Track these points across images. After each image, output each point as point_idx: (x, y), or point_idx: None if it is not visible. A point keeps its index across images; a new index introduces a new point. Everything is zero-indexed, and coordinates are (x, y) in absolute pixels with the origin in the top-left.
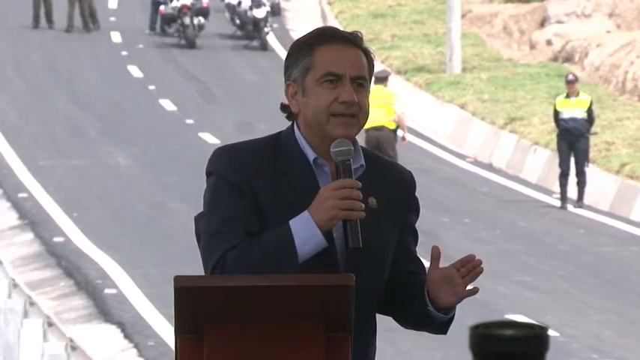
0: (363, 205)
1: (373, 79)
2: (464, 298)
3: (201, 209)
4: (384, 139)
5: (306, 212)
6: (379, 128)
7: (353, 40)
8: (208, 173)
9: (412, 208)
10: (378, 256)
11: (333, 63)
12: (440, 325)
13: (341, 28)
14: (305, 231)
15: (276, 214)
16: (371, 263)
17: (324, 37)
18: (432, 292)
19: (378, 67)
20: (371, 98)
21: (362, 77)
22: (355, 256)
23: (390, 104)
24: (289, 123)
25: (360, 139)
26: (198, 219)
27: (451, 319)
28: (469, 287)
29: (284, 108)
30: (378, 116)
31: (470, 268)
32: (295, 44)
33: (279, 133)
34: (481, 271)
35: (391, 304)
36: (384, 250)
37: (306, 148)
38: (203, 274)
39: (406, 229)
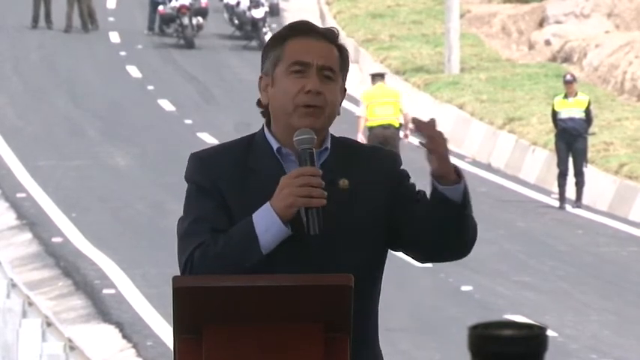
0: (325, 193)
1: (370, 77)
2: (439, 146)
3: None
4: (391, 137)
5: (267, 203)
6: (387, 126)
7: (325, 35)
8: (185, 180)
9: (400, 181)
10: (355, 236)
11: (301, 52)
12: (455, 208)
13: (339, 28)
14: (265, 220)
15: (246, 209)
16: (348, 245)
17: (295, 29)
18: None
19: (376, 67)
20: (377, 96)
21: (329, 68)
22: (329, 241)
23: (397, 101)
24: None
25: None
26: (178, 223)
27: (464, 193)
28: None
29: (259, 103)
30: (386, 114)
31: (424, 124)
32: (269, 38)
33: (254, 133)
34: (432, 121)
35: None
36: (362, 230)
37: (271, 140)
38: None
39: (405, 199)
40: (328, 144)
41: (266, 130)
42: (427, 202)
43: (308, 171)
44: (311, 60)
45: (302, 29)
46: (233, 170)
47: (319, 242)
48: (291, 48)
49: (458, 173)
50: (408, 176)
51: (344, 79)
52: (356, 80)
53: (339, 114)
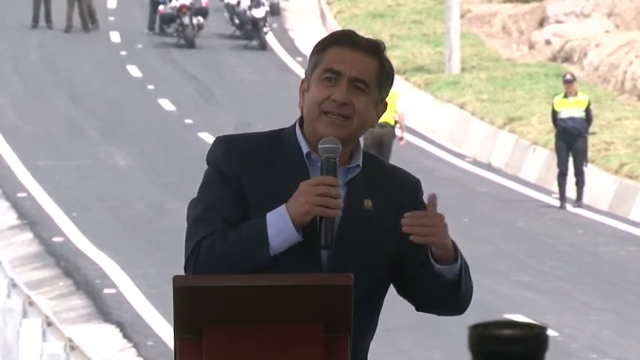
0: (342, 204)
1: None
2: (437, 225)
3: None
4: (387, 136)
5: (283, 206)
6: (383, 125)
7: (367, 47)
8: (207, 161)
9: (415, 207)
10: (367, 257)
11: (336, 61)
12: (449, 285)
13: (339, 28)
14: (278, 223)
15: (263, 206)
16: (357, 263)
17: (339, 38)
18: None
19: None
20: None
21: (361, 80)
22: (340, 256)
23: (392, 102)
24: (288, 122)
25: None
26: (188, 206)
27: (460, 272)
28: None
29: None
30: None
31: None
32: (316, 44)
33: (283, 128)
34: (433, 198)
35: (411, 292)
36: (375, 252)
37: (302, 142)
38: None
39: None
40: (360, 161)
41: (298, 132)
42: (422, 267)
43: (328, 180)
44: (343, 70)
45: (344, 38)
46: (257, 164)
47: (331, 257)
48: (329, 56)
49: (455, 249)
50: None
51: (383, 93)
52: None
53: (373, 126)
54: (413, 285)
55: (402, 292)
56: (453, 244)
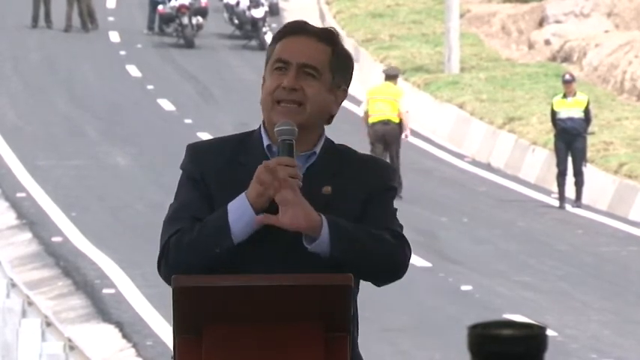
0: (300, 183)
1: (384, 75)
2: (282, 201)
3: None
4: (391, 133)
5: (243, 193)
6: (386, 122)
7: (318, 34)
8: (180, 168)
9: (380, 190)
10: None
11: (285, 50)
12: (329, 261)
13: (339, 28)
14: (238, 208)
15: (228, 202)
16: (309, 256)
17: (288, 29)
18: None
19: (377, 67)
20: (377, 93)
21: (311, 66)
22: (299, 241)
23: (395, 100)
24: None
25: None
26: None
27: (333, 242)
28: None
29: None
30: (384, 110)
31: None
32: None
33: (255, 129)
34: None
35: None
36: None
37: (264, 136)
38: (200, 274)
39: (370, 204)
40: (318, 149)
41: (261, 127)
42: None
43: (283, 161)
44: (291, 58)
45: (294, 29)
46: (223, 163)
47: (294, 242)
48: (279, 47)
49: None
50: (389, 195)
51: (339, 79)
52: (355, 80)
53: (333, 113)
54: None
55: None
56: (320, 218)
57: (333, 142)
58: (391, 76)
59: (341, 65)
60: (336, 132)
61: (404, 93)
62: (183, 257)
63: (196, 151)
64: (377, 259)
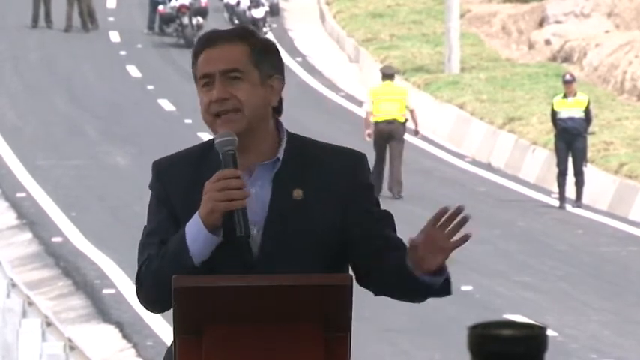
0: (248, 193)
1: (381, 75)
2: (452, 249)
3: None
4: (396, 132)
5: (197, 212)
6: (391, 122)
7: (229, 37)
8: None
9: (356, 190)
10: (301, 246)
11: (204, 65)
12: (435, 290)
13: (339, 28)
14: (193, 229)
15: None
16: (291, 254)
17: (202, 43)
18: (417, 256)
19: (379, 66)
20: (382, 93)
21: (233, 69)
22: (271, 248)
23: (402, 99)
24: (287, 121)
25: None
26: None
27: (447, 281)
28: (456, 237)
29: None
30: (390, 110)
31: (450, 217)
32: (193, 49)
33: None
34: (465, 220)
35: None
36: (311, 241)
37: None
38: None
39: (355, 213)
40: (281, 154)
41: None
42: (394, 260)
43: (227, 174)
44: (212, 69)
45: (207, 41)
46: (183, 180)
47: (261, 251)
48: (199, 63)
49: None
50: (366, 187)
51: (267, 70)
52: (356, 80)
53: (274, 104)
54: (372, 271)
55: (359, 279)
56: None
57: (300, 139)
58: (389, 75)
59: (263, 56)
60: (336, 132)
61: (407, 90)
62: (153, 285)
63: (160, 170)
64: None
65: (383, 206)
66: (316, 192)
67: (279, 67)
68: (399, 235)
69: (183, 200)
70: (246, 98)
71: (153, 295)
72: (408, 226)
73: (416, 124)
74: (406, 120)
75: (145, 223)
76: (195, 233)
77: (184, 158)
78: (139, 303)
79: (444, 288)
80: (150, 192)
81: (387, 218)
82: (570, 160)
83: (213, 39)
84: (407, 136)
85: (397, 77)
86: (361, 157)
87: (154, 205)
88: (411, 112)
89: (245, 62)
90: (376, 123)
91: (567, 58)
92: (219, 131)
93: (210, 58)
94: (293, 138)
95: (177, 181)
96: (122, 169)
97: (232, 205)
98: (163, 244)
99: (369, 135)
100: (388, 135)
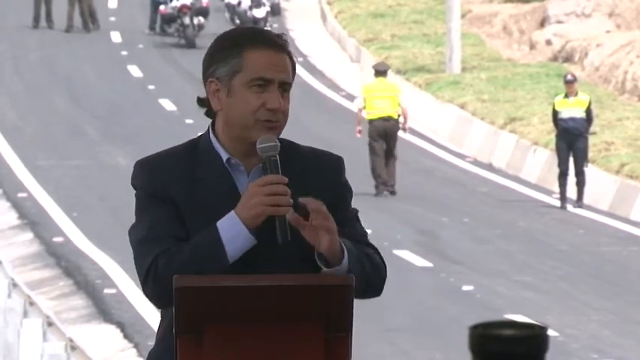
0: (291, 201)
1: (373, 71)
2: (317, 227)
3: None
4: (391, 130)
5: (232, 211)
6: (387, 119)
7: (281, 45)
8: (133, 187)
9: (342, 191)
10: (296, 248)
11: (263, 68)
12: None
13: (340, 28)
14: (232, 229)
15: (195, 219)
16: (284, 256)
17: (254, 40)
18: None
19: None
20: (376, 90)
21: (288, 83)
22: (277, 251)
23: (395, 96)
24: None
25: (366, 128)
26: (129, 234)
27: (378, 280)
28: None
29: (202, 102)
30: (384, 107)
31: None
32: (224, 42)
33: (200, 136)
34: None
35: None
36: (301, 245)
37: (219, 149)
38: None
39: (342, 213)
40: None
41: (213, 139)
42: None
43: (275, 179)
44: (273, 76)
45: (260, 39)
46: (181, 179)
47: (258, 253)
48: (251, 61)
49: (342, 251)
50: (349, 191)
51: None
52: (357, 80)
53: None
54: None
55: None
56: (341, 245)
57: (282, 141)
58: (382, 72)
59: (295, 73)
60: (337, 132)
61: (400, 87)
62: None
63: (151, 168)
64: (373, 283)
65: (381, 205)
66: (305, 193)
67: None
68: (398, 235)
69: (184, 196)
70: (287, 111)
71: (170, 292)
72: (409, 226)
73: (405, 121)
74: (399, 116)
75: (132, 224)
76: (235, 234)
77: (173, 156)
78: (144, 298)
79: (372, 285)
80: (136, 190)
81: (358, 218)
82: (571, 160)
83: (270, 40)
84: (406, 135)
85: (398, 78)
86: (342, 160)
87: (150, 203)
88: (403, 109)
89: (291, 76)
90: (371, 120)
91: (568, 58)
92: (255, 135)
93: (272, 64)
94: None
95: (175, 177)
96: (123, 169)
97: (279, 211)
98: (177, 239)
99: (359, 132)
100: (384, 132)
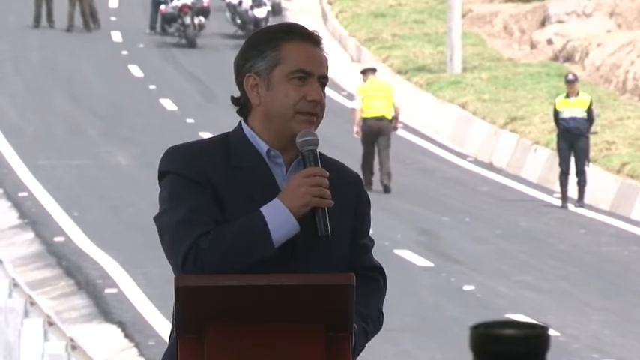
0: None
1: (362, 74)
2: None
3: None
4: (385, 129)
5: (277, 199)
6: (380, 118)
7: (317, 40)
8: (163, 173)
9: (365, 205)
10: (326, 246)
11: (303, 60)
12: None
13: (341, 28)
14: (278, 217)
15: (236, 205)
16: (321, 253)
17: (292, 33)
18: None
19: (377, 66)
20: (370, 90)
21: (326, 77)
22: (309, 245)
23: (389, 95)
24: None
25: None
26: (158, 218)
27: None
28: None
29: (236, 100)
30: (379, 107)
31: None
32: (259, 37)
33: (227, 133)
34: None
35: None
36: (332, 242)
37: (257, 141)
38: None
39: (363, 226)
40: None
41: (247, 131)
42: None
43: (319, 172)
44: (312, 69)
45: (298, 33)
46: (219, 166)
47: (297, 246)
48: (291, 54)
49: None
50: (370, 205)
51: None
52: (358, 80)
53: None
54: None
55: None
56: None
57: None
58: (371, 70)
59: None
60: (338, 131)
61: (394, 86)
62: (219, 262)
63: (188, 153)
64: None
65: (382, 205)
66: (338, 200)
67: None
68: (399, 234)
69: (224, 182)
70: (324, 105)
71: (218, 270)
72: (410, 226)
73: (396, 121)
74: (393, 117)
75: (162, 208)
76: (281, 221)
77: (205, 146)
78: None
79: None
80: (169, 175)
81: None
82: (572, 159)
83: (309, 35)
84: (407, 135)
85: (398, 78)
86: (358, 176)
87: (188, 187)
88: (396, 109)
89: (327, 71)
90: (365, 119)
91: (569, 58)
92: (296, 128)
93: (313, 57)
94: None
95: (213, 163)
96: (124, 168)
97: (323, 203)
98: (217, 223)
99: (357, 132)
100: (377, 131)
